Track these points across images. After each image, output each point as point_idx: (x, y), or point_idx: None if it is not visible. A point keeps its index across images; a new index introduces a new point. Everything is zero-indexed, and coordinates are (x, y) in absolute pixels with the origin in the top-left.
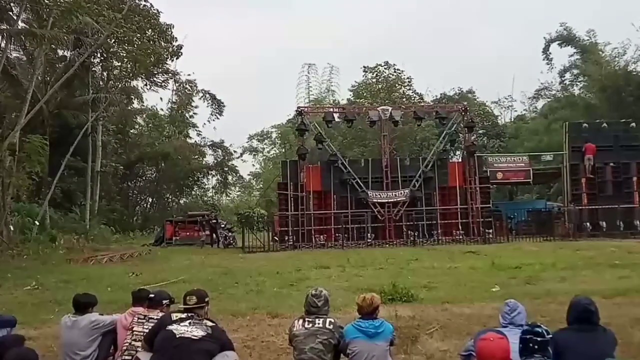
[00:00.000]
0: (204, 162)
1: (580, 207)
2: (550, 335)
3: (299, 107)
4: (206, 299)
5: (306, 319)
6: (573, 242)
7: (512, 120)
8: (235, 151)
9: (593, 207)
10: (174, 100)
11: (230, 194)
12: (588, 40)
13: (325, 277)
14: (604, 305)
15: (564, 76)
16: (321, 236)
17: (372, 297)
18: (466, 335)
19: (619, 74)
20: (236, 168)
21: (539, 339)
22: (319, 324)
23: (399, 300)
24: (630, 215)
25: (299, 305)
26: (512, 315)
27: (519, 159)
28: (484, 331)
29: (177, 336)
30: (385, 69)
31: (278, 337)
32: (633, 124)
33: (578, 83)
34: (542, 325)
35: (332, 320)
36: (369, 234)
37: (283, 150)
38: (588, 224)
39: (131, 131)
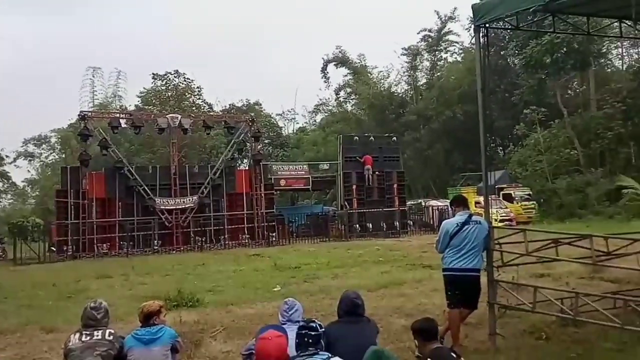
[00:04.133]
0: None
1: (351, 211)
2: (323, 329)
3: (82, 112)
4: None
5: (83, 332)
6: (345, 242)
7: (295, 131)
8: (7, 156)
9: (361, 210)
10: None
11: (0, 202)
12: (359, 63)
13: (107, 286)
14: (369, 297)
15: (339, 93)
16: (104, 245)
17: (144, 305)
18: (249, 335)
19: (384, 94)
20: (8, 174)
21: (313, 333)
22: (97, 336)
23: (184, 306)
24: (391, 217)
25: (77, 318)
26: (290, 312)
27: (300, 167)
28: (266, 328)
29: None
30: (175, 77)
31: (52, 352)
32: (394, 138)
33: (351, 100)
34: (316, 321)
35: (112, 331)
36: (156, 241)
37: (64, 156)
38: (357, 225)
39: None
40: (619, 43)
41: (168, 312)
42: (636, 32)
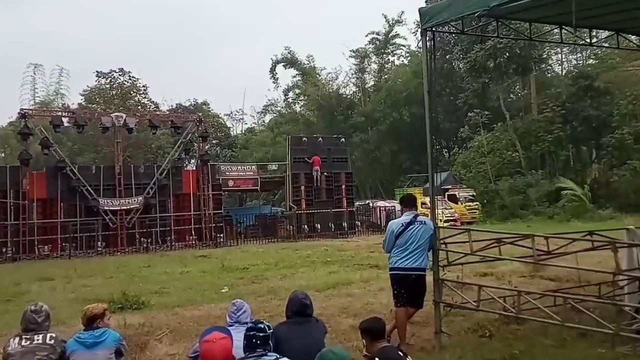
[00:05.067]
0: None
1: (300, 212)
2: (271, 330)
3: (22, 109)
4: None
5: (23, 336)
6: (293, 243)
7: (243, 132)
8: None
9: (310, 211)
10: None
11: None
12: (308, 64)
13: (48, 289)
14: (317, 297)
15: (288, 94)
16: (46, 246)
17: (88, 308)
18: (195, 337)
19: (332, 95)
20: None
21: (261, 334)
22: (38, 340)
23: (129, 309)
24: (339, 217)
25: (17, 322)
26: (238, 314)
27: (249, 167)
28: (210, 330)
29: None
30: (120, 75)
31: None
32: (342, 139)
33: (299, 101)
34: (264, 322)
35: (54, 335)
36: (99, 243)
37: (3, 155)
38: (306, 226)
39: None
40: (558, 49)
41: (112, 314)
42: (576, 38)
